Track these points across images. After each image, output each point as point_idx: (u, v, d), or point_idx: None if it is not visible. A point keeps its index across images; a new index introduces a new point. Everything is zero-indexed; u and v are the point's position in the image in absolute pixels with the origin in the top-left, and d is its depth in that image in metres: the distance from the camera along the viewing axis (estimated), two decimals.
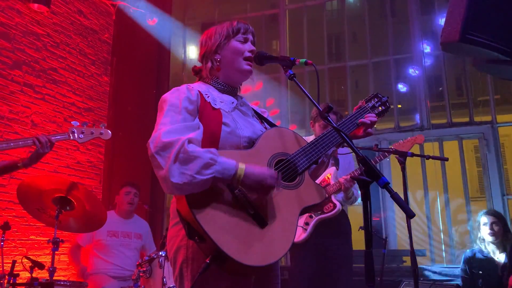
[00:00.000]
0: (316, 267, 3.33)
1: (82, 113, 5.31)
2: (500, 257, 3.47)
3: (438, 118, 5.67)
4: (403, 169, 2.95)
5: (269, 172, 1.56)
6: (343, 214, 3.47)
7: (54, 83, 4.95)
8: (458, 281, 3.66)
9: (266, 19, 6.48)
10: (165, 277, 3.25)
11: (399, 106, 5.97)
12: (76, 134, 3.10)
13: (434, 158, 3.08)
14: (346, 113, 6.15)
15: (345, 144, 1.65)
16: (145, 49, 5.88)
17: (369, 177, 1.44)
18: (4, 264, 3.18)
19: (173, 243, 1.64)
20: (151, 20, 5.78)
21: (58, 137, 3.09)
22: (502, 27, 2.27)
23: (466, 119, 5.29)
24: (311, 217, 3.35)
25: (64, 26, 5.16)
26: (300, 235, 3.33)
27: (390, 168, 5.35)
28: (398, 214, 5.27)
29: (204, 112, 1.67)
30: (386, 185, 1.40)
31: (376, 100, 1.99)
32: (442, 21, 5.45)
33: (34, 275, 3.25)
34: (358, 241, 3.19)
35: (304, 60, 1.77)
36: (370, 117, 1.87)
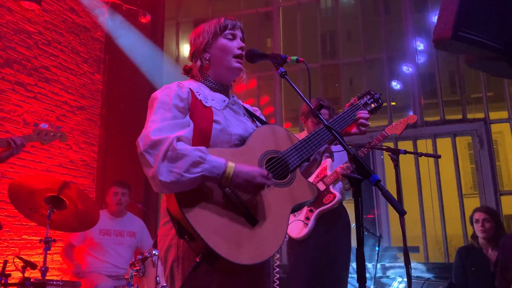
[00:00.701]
0: (316, 264, 3.28)
1: (75, 111, 5.27)
2: (492, 254, 3.49)
3: (431, 115, 5.69)
4: (396, 166, 2.95)
5: (259, 170, 1.54)
6: (342, 206, 3.45)
7: (46, 81, 4.91)
8: (452, 278, 3.67)
9: (260, 16, 6.47)
10: (158, 276, 3.24)
11: (393, 103, 5.97)
12: (40, 136, 3.18)
13: (426, 155, 3.09)
14: (340, 110, 6.14)
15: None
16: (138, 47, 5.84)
17: (360, 174, 1.44)
18: None
19: (163, 242, 1.63)
20: (144, 17, 5.74)
21: (25, 137, 3.17)
22: (494, 24, 2.28)
23: (459, 116, 5.31)
24: (311, 211, 3.32)
25: (55, 24, 5.12)
26: (302, 231, 3.30)
27: (384, 165, 5.37)
28: (392, 211, 5.29)
29: (195, 109, 1.65)
30: (377, 183, 1.40)
31: (368, 97, 1.98)
32: (435, 18, 5.45)
33: (26, 275, 3.23)
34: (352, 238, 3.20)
35: (295, 57, 1.77)
36: (362, 114, 1.85)
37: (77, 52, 5.39)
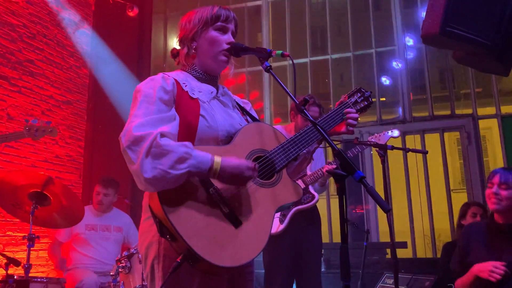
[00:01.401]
0: (292, 259, 3.37)
1: (61, 106, 5.19)
2: None
3: (420, 111, 5.71)
4: (383, 162, 2.94)
5: (246, 163, 1.51)
6: (315, 207, 3.53)
7: (31, 75, 4.83)
8: (439, 273, 3.68)
9: (249, 11, 6.42)
10: (144, 271, 3.20)
11: (382, 99, 5.98)
12: (30, 132, 3.20)
13: (414, 151, 3.09)
14: (330, 106, 6.14)
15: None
16: (126, 40, 5.77)
17: (344, 171, 1.42)
18: None
19: (144, 238, 1.59)
20: (132, 11, 5.67)
21: (14, 135, 3.17)
22: (481, 20, 2.27)
23: (448, 112, 5.33)
24: (288, 208, 3.36)
25: (40, 17, 5.03)
26: (278, 227, 3.35)
27: (372, 161, 5.37)
28: None
29: (181, 102, 1.61)
30: (361, 179, 1.38)
31: (358, 95, 1.94)
32: (424, 14, 5.46)
33: (10, 272, 3.17)
34: (339, 231, 3.19)
35: (280, 51, 1.72)
36: (351, 114, 1.82)
37: (63, 46, 5.31)
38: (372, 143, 3.11)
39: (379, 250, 4.60)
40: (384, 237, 5.31)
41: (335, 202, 4.36)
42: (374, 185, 5.30)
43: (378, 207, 5.24)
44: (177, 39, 1.81)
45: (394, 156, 3.95)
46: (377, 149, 2.99)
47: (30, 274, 3.21)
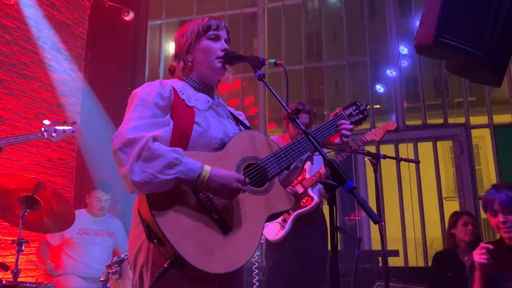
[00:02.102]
0: (294, 267, 3.31)
1: (54, 109, 5.17)
2: (468, 259, 3.50)
3: (414, 119, 5.73)
4: (375, 171, 2.95)
5: (235, 175, 1.51)
6: (319, 210, 3.46)
7: (24, 78, 4.80)
8: (429, 283, 3.68)
9: (245, 17, 6.44)
10: (133, 278, 3.18)
11: (376, 106, 6.01)
12: (48, 133, 3.07)
13: (406, 160, 3.10)
14: (325, 113, 6.16)
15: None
16: (121, 45, 5.77)
17: (335, 181, 1.42)
18: None
19: (134, 245, 1.59)
20: (127, 15, 5.67)
21: (31, 136, 3.06)
22: (474, 31, 2.29)
23: (441, 121, 5.36)
24: (288, 213, 3.32)
25: (36, 20, 5.01)
26: (278, 233, 3.30)
27: (366, 169, 5.38)
28: None
29: (176, 108, 1.62)
30: (352, 190, 1.38)
31: (354, 108, 1.96)
32: (418, 23, 5.50)
33: None
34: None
35: (273, 60, 1.73)
36: (345, 126, 1.84)
37: (57, 49, 5.29)
38: (365, 152, 3.11)
39: (371, 258, 4.59)
40: (377, 245, 5.30)
41: (326, 209, 4.36)
42: (367, 192, 5.31)
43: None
44: (173, 55, 1.83)
45: (387, 164, 3.96)
46: (370, 157, 2.99)
47: (19, 279, 3.17)
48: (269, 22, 6.35)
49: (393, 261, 4.69)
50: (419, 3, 5.76)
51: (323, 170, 3.23)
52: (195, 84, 1.75)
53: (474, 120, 5.30)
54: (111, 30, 5.75)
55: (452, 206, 6.15)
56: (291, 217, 3.31)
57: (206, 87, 1.77)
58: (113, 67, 5.66)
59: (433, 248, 6.69)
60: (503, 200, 2.33)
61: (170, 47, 6.48)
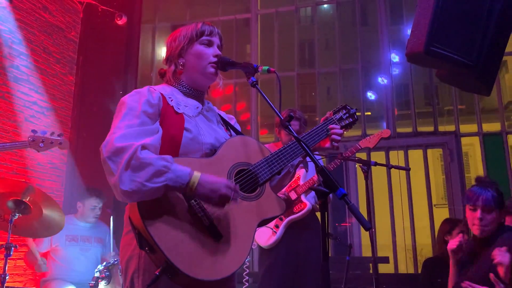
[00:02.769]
0: (287, 274, 3.29)
1: (45, 112, 5.13)
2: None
3: (404, 126, 5.78)
4: (366, 178, 2.97)
5: (225, 182, 1.51)
6: (314, 216, 3.45)
7: (15, 80, 4.76)
8: None
9: (238, 23, 6.46)
10: (124, 284, 3.16)
11: (368, 113, 6.05)
12: (35, 143, 3.07)
13: (396, 167, 3.12)
14: (316, 119, 6.18)
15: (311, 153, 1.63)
16: (113, 49, 5.75)
17: (327, 187, 1.43)
18: None
19: (125, 252, 1.58)
20: (120, 19, 5.66)
21: (18, 144, 3.04)
22: (464, 41, 2.32)
23: (431, 129, 5.41)
24: (281, 219, 3.32)
25: (27, 22, 4.98)
26: (270, 238, 3.29)
27: (357, 176, 5.41)
28: None
29: (165, 116, 1.61)
30: (343, 197, 1.39)
31: (344, 111, 1.97)
32: (410, 31, 5.56)
33: None
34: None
35: (267, 67, 1.74)
36: (335, 130, 1.85)
37: (49, 52, 5.26)
38: (356, 158, 3.13)
39: (361, 265, 4.60)
40: (367, 251, 5.33)
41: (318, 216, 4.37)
42: (358, 199, 5.33)
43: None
44: (164, 59, 1.83)
45: (377, 171, 3.98)
46: (361, 164, 3.01)
47: (7, 284, 3.13)
48: (262, 28, 6.38)
49: (383, 268, 4.70)
50: (411, 11, 5.82)
51: (316, 177, 3.24)
52: (184, 89, 1.75)
53: (463, 128, 5.35)
54: (104, 34, 5.74)
55: (441, 213, 6.19)
56: (283, 223, 3.30)
57: (196, 92, 1.77)
58: (105, 71, 5.65)
59: (422, 255, 6.72)
60: (487, 198, 2.40)
61: (162, 52, 6.47)
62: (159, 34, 6.55)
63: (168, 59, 1.78)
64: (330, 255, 1.55)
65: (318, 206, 3.40)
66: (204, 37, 1.74)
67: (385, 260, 4.58)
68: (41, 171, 5.02)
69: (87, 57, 5.71)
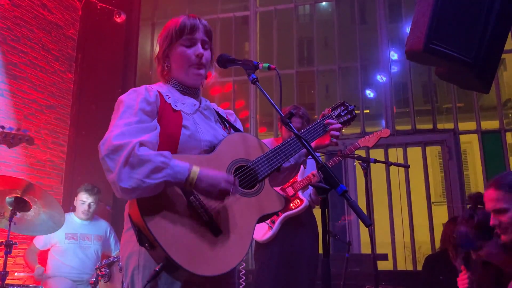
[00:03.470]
0: (282, 270, 3.30)
1: (44, 110, 5.13)
2: (459, 263, 3.52)
3: (403, 124, 5.78)
4: (366, 175, 2.98)
5: (224, 176, 1.51)
6: (310, 213, 3.47)
7: (14, 78, 4.76)
8: (420, 286, 3.72)
9: (237, 21, 6.45)
10: (124, 281, 3.16)
11: (366, 111, 6.06)
12: (6, 139, 3.11)
13: (396, 165, 3.14)
14: (315, 117, 6.19)
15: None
16: (112, 46, 5.75)
17: (327, 184, 1.44)
18: None
19: (125, 248, 1.59)
20: (119, 17, 5.65)
21: None
22: (463, 38, 2.33)
23: (430, 126, 5.42)
24: (277, 214, 3.33)
25: (26, 20, 4.97)
26: (266, 233, 3.31)
27: (356, 173, 5.42)
28: None
29: (163, 113, 1.62)
30: (344, 193, 1.40)
31: (342, 108, 1.97)
32: (409, 29, 5.57)
33: None
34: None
35: (267, 65, 1.74)
36: (333, 126, 1.85)
37: (48, 50, 5.26)
38: (355, 156, 3.14)
39: (360, 262, 4.61)
40: (366, 249, 5.34)
41: (318, 212, 4.38)
42: (356, 197, 5.34)
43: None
44: (155, 57, 1.83)
45: (376, 168, 3.99)
46: (360, 162, 3.02)
47: (7, 281, 3.14)
48: (261, 26, 6.38)
49: (382, 265, 4.71)
50: (410, 9, 5.83)
51: (314, 173, 3.26)
52: (179, 87, 1.75)
53: (462, 126, 5.36)
54: (103, 32, 5.74)
55: (440, 211, 6.21)
56: (279, 219, 3.32)
57: (190, 90, 1.77)
58: (104, 68, 5.65)
59: (421, 252, 6.74)
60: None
61: None
62: (158, 32, 6.54)
63: (157, 57, 1.78)
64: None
65: (314, 203, 3.42)
66: (184, 37, 1.71)
67: (384, 257, 4.60)
68: (40, 169, 5.02)
69: (85, 54, 5.71)
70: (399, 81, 6.16)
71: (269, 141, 3.40)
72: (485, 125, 5.33)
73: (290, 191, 3.35)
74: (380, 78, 5.69)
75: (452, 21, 2.27)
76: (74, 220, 4.17)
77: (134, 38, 5.93)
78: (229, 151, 1.65)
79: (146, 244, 1.44)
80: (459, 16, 2.28)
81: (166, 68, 1.75)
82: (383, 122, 5.54)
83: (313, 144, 1.87)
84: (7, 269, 3.12)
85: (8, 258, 3.18)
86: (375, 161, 3.05)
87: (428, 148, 5.49)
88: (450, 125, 5.35)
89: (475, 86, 2.60)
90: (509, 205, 2.03)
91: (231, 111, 1.96)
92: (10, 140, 3.10)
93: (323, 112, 1.97)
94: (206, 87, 1.91)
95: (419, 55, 2.30)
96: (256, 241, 3.40)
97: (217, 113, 1.85)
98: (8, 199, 3.20)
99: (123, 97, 1.61)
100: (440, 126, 5.40)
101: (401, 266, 5.32)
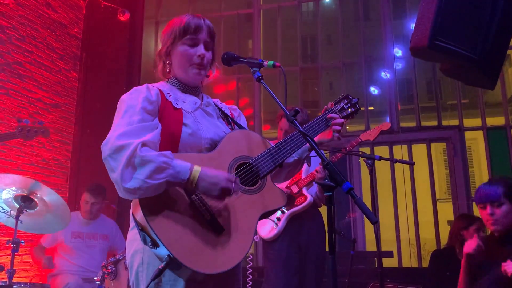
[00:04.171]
0: (290, 265, 3.32)
1: (49, 109, 5.15)
2: None
3: (408, 121, 5.77)
4: (371, 171, 2.97)
5: (226, 175, 1.52)
6: (316, 210, 3.48)
7: (19, 77, 4.78)
8: (424, 283, 3.71)
9: (240, 18, 6.45)
10: (129, 279, 3.18)
11: (371, 108, 6.04)
12: (22, 132, 3.17)
13: (401, 162, 3.13)
14: (319, 114, 6.17)
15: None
16: (116, 45, 5.76)
17: (333, 181, 1.44)
18: None
19: (130, 246, 1.60)
20: (123, 15, 5.66)
21: (6, 135, 3.11)
22: (468, 34, 2.32)
23: (435, 123, 5.40)
24: (282, 212, 3.35)
25: (30, 19, 4.99)
26: (272, 231, 3.32)
27: (360, 170, 5.41)
28: None
29: (164, 112, 1.62)
30: (349, 191, 1.40)
31: (346, 101, 1.94)
32: (413, 25, 5.54)
33: None
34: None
35: (272, 62, 1.74)
36: (336, 120, 1.82)
37: (52, 49, 5.27)
38: (360, 153, 3.14)
39: (365, 259, 4.61)
40: (371, 246, 5.34)
41: (323, 210, 4.38)
42: (361, 194, 5.33)
43: (364, 216, 5.28)
44: (156, 54, 1.81)
45: (381, 166, 3.99)
46: (365, 159, 3.02)
47: (14, 279, 3.16)
48: (264, 24, 6.37)
49: (387, 262, 4.71)
50: (414, 5, 5.80)
51: (318, 169, 3.26)
52: (180, 86, 1.76)
53: (467, 122, 5.34)
54: (107, 30, 5.75)
55: (445, 208, 6.19)
56: (285, 216, 3.35)
57: (191, 88, 1.77)
58: (108, 67, 5.66)
59: (426, 249, 6.73)
60: (493, 193, 2.40)
61: None
62: (161, 30, 6.54)
63: (158, 54, 1.78)
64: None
65: (320, 201, 3.43)
66: (187, 36, 1.70)
67: (389, 254, 4.60)
68: (46, 167, 5.04)
69: (90, 53, 5.72)
70: (404, 77, 6.15)
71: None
72: (490, 122, 5.30)
73: (295, 189, 3.37)
74: (385, 75, 5.67)
75: (457, 17, 2.26)
76: (80, 219, 4.19)
77: (138, 36, 5.95)
78: (231, 148, 1.65)
79: (150, 243, 1.45)
80: (464, 11, 2.27)
81: (168, 65, 1.75)
82: (388, 119, 5.52)
83: (315, 138, 1.85)
84: (14, 267, 3.14)
85: (15, 256, 3.20)
86: (381, 158, 3.04)
87: (433, 145, 5.47)
88: (455, 122, 5.33)
89: (481, 82, 2.59)
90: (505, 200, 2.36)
91: (235, 107, 1.96)
92: (26, 133, 3.14)
93: (325, 106, 1.95)
94: (209, 85, 1.91)
95: (424, 52, 2.29)
96: (263, 239, 3.41)
97: (220, 109, 1.85)
98: (15, 197, 3.22)
99: (125, 97, 1.62)
100: (445, 122, 5.38)
101: (406, 263, 5.32)
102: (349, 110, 1.93)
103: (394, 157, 4.80)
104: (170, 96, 1.67)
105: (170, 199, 1.48)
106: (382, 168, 4.97)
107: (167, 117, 1.61)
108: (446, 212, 6.05)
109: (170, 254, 1.39)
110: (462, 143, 5.18)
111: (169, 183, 1.44)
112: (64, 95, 5.42)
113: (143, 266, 1.54)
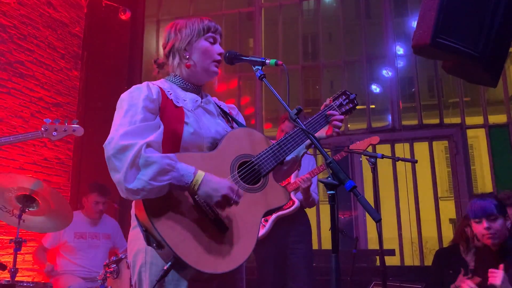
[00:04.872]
0: (277, 268, 3.38)
1: (50, 108, 5.15)
2: (470, 259, 3.51)
3: (410, 119, 5.76)
4: (373, 170, 2.97)
5: (228, 183, 1.51)
6: (302, 213, 3.51)
7: (20, 76, 4.78)
8: (427, 281, 3.70)
9: (242, 16, 6.44)
10: (132, 278, 3.18)
11: (372, 106, 6.03)
12: (48, 132, 3.06)
13: (403, 160, 3.13)
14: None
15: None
16: (117, 44, 5.76)
17: (336, 180, 1.43)
18: None
19: (132, 246, 1.60)
20: (124, 14, 5.66)
21: (30, 135, 3.06)
22: (471, 32, 2.31)
23: (437, 121, 5.39)
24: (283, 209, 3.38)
25: (32, 18, 4.99)
26: (260, 231, 3.35)
27: (362, 168, 5.41)
28: None
29: (165, 110, 1.61)
30: (352, 189, 1.39)
31: (344, 97, 1.93)
32: (415, 23, 5.53)
33: None
34: (327, 238, 3.21)
35: (274, 60, 1.74)
36: (336, 117, 1.81)
37: (54, 48, 5.27)
38: (361, 150, 3.14)
39: (367, 258, 4.61)
40: (373, 244, 5.34)
41: (323, 208, 4.38)
42: (363, 192, 5.33)
43: (367, 214, 5.27)
44: (165, 50, 1.80)
45: (383, 164, 3.97)
46: (368, 157, 3.02)
47: (16, 278, 3.17)
48: (265, 22, 6.36)
49: (389, 260, 4.71)
50: (415, 3, 5.79)
51: (298, 180, 3.30)
52: (182, 84, 1.75)
53: (469, 120, 5.33)
54: (108, 29, 5.75)
55: (447, 206, 6.18)
56: (272, 218, 3.39)
57: (194, 87, 1.77)
58: (110, 65, 5.66)
59: (428, 247, 6.72)
60: (488, 208, 2.41)
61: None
62: (162, 29, 6.54)
63: (171, 51, 1.76)
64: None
65: (306, 205, 3.46)
66: (210, 33, 1.75)
67: (391, 252, 4.59)
68: (48, 167, 5.04)
69: (91, 52, 5.72)
70: (405, 75, 6.14)
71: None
72: (492, 120, 5.29)
73: None
74: (386, 73, 5.66)
75: (459, 15, 2.25)
76: (83, 219, 4.19)
77: (139, 35, 5.95)
78: (232, 147, 1.65)
79: (154, 244, 1.45)
80: (466, 9, 2.26)
81: (186, 60, 1.73)
82: (389, 117, 5.51)
83: (316, 135, 1.84)
84: (16, 266, 3.14)
85: (17, 255, 3.20)
86: (383, 156, 3.04)
87: (434, 143, 5.46)
88: (457, 120, 5.32)
89: (483, 80, 2.58)
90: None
91: (233, 105, 1.96)
92: (53, 132, 3.10)
93: (324, 102, 1.95)
94: (210, 83, 1.90)
95: (426, 49, 2.28)
96: None
97: (219, 107, 1.85)
98: (17, 196, 3.22)
99: (125, 95, 1.61)
100: (446, 120, 5.37)
101: (408, 262, 5.32)
102: (347, 106, 1.92)
103: (396, 155, 4.80)
104: (171, 94, 1.67)
105: (174, 200, 1.47)
106: (384, 166, 4.96)
107: (168, 115, 1.60)
108: (448, 210, 6.03)
109: (176, 255, 1.39)
110: (464, 141, 5.17)
111: (172, 185, 1.44)
112: (66, 94, 5.42)
113: (145, 266, 1.53)
